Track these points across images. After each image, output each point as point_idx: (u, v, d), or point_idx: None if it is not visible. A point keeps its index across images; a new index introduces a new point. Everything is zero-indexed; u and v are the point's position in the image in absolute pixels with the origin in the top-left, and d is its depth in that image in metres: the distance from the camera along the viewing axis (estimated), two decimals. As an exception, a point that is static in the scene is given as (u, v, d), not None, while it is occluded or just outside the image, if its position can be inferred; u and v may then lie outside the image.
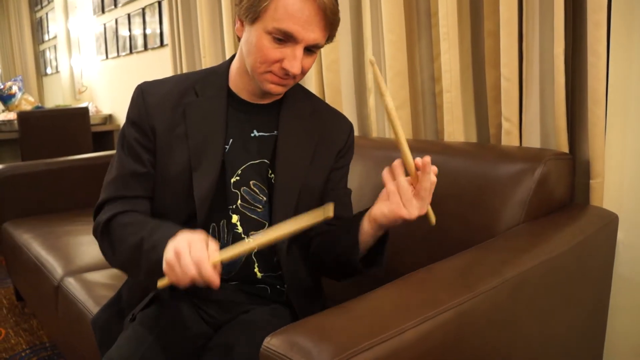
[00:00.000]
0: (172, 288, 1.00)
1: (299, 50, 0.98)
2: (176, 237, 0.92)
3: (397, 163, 0.92)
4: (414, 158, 0.90)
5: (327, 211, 0.82)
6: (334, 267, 1.12)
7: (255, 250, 0.93)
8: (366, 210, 1.00)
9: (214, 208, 1.09)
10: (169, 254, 0.89)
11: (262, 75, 1.03)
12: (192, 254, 0.86)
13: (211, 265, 0.86)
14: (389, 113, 0.89)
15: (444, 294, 0.83)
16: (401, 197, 0.90)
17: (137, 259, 0.99)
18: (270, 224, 1.11)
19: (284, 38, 0.97)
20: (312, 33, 0.98)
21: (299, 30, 0.96)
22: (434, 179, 0.90)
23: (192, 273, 0.86)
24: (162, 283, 0.91)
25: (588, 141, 1.27)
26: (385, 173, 0.93)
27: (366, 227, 0.98)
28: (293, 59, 0.99)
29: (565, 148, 1.31)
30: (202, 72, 1.17)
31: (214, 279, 0.87)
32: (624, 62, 1.24)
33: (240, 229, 1.11)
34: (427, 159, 0.88)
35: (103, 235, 1.08)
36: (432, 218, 0.93)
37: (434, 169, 0.90)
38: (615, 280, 1.30)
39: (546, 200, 1.22)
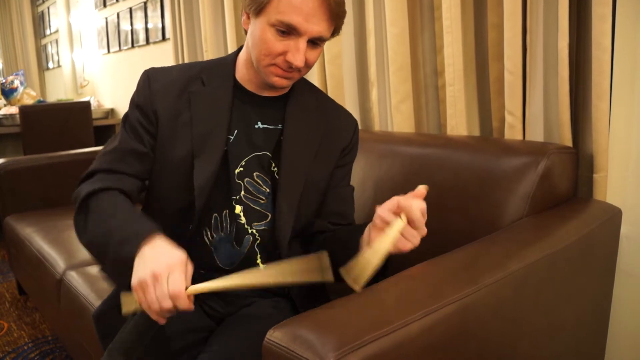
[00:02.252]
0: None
1: (302, 43, 0.98)
2: (153, 243, 0.90)
3: (382, 211, 0.90)
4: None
5: (327, 275, 0.76)
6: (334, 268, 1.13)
7: (234, 287, 0.89)
8: (365, 225, 0.98)
9: (217, 198, 1.09)
10: (145, 274, 0.85)
11: (266, 68, 1.02)
12: (170, 286, 0.83)
13: (187, 298, 0.84)
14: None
15: (448, 287, 0.83)
16: (403, 236, 0.89)
17: (104, 246, 0.96)
18: (273, 216, 1.11)
19: (287, 30, 0.97)
20: (315, 25, 0.97)
21: (302, 22, 0.96)
22: (422, 205, 0.87)
23: (167, 305, 0.84)
24: (127, 309, 0.87)
25: (592, 135, 1.26)
26: (378, 220, 0.91)
27: (364, 248, 0.98)
28: (296, 51, 0.98)
29: (568, 142, 1.31)
30: (209, 62, 1.17)
31: (189, 308, 0.85)
32: (629, 55, 1.23)
33: (243, 220, 1.11)
34: (400, 201, 0.87)
35: (80, 207, 1.04)
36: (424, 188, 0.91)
37: (422, 193, 0.89)
38: (619, 274, 1.29)
39: (549, 194, 1.21)
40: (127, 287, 0.90)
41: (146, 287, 0.85)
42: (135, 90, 1.12)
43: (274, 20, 0.96)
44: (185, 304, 0.84)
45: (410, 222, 0.88)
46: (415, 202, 0.87)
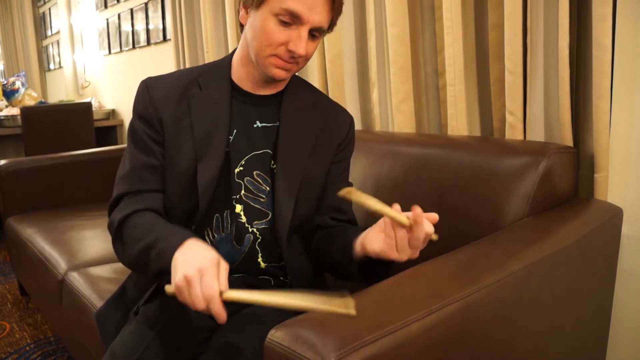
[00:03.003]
0: None
1: (304, 32, 1.00)
2: (185, 246, 0.91)
3: (398, 207, 0.89)
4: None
5: (349, 308, 0.76)
6: (331, 268, 1.14)
7: (267, 303, 0.89)
8: (363, 228, 0.99)
9: (217, 198, 1.10)
10: (178, 278, 0.86)
11: (266, 59, 1.04)
12: (204, 289, 0.83)
13: (221, 302, 0.84)
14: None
15: (449, 287, 0.83)
16: (396, 244, 0.90)
17: (145, 264, 1.00)
18: (273, 214, 1.11)
19: (290, 20, 0.99)
20: (317, 15, 0.99)
21: (305, 11, 0.98)
22: (429, 229, 0.88)
23: (201, 306, 0.84)
24: (169, 289, 0.89)
25: (592, 135, 1.26)
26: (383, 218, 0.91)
27: (358, 250, 0.99)
28: (298, 40, 1.00)
29: (569, 142, 1.31)
30: (205, 66, 1.18)
31: (222, 315, 0.84)
32: (629, 55, 1.23)
33: (243, 219, 1.11)
34: (418, 211, 0.86)
35: (116, 235, 1.08)
36: (434, 236, 0.91)
37: (433, 217, 0.89)
38: (620, 274, 1.29)
39: (550, 194, 1.21)
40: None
41: (182, 291, 0.85)
42: (135, 102, 1.13)
43: (277, 9, 0.98)
44: (218, 308, 0.83)
45: (411, 236, 0.88)
46: (427, 222, 0.87)
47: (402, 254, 0.90)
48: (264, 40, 1.02)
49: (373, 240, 0.94)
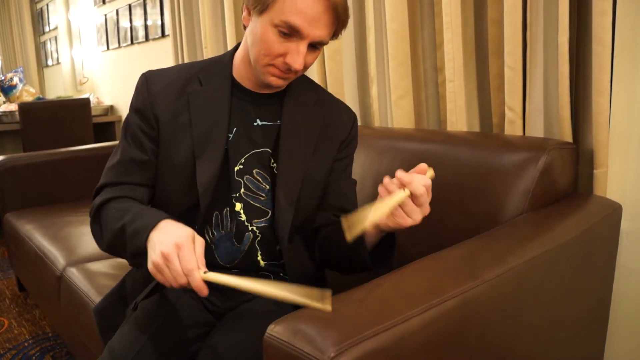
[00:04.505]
0: None
1: (303, 46, 0.98)
2: (159, 227, 0.92)
3: (387, 181, 0.90)
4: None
5: (326, 303, 0.77)
6: (340, 263, 1.14)
7: (245, 289, 0.90)
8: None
9: (217, 196, 1.09)
10: (156, 256, 0.88)
11: (264, 68, 1.02)
12: (182, 263, 0.86)
13: (200, 277, 0.86)
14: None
15: (448, 282, 0.83)
16: (404, 210, 0.89)
17: (121, 245, 1.00)
18: (273, 213, 1.11)
19: (290, 32, 0.97)
20: (318, 30, 0.97)
21: (306, 26, 0.96)
22: (426, 182, 0.87)
23: (182, 281, 0.86)
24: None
25: (592, 131, 1.26)
26: (382, 190, 0.91)
27: (369, 232, 0.98)
28: (296, 54, 0.98)
29: (569, 137, 1.31)
30: (206, 61, 1.16)
31: (203, 289, 0.86)
32: (629, 51, 1.23)
33: (243, 217, 1.11)
34: (406, 178, 0.86)
35: (94, 218, 1.09)
36: (432, 174, 0.92)
37: (422, 168, 0.89)
38: (619, 270, 1.29)
39: (550, 189, 1.21)
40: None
41: (160, 269, 0.88)
42: (134, 94, 1.12)
43: (277, 20, 0.96)
44: (197, 282, 0.85)
45: (414, 198, 0.88)
46: (418, 177, 0.87)
47: (415, 216, 0.89)
48: (262, 49, 1.00)
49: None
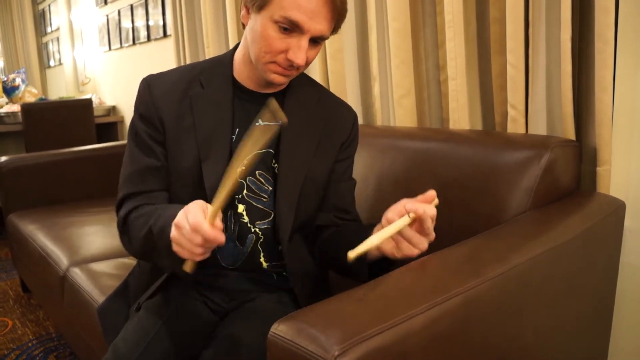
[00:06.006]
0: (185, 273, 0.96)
1: (304, 41, 0.98)
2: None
3: (391, 215, 0.90)
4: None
5: (281, 117, 0.78)
6: (337, 268, 1.14)
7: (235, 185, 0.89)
8: (372, 226, 0.98)
9: None
10: (172, 232, 0.88)
11: (265, 65, 1.02)
12: (190, 221, 0.85)
13: (209, 224, 0.84)
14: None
15: (451, 280, 0.83)
16: (411, 243, 0.90)
17: (152, 246, 1.00)
18: (275, 214, 1.11)
19: (290, 27, 0.96)
20: (318, 24, 0.97)
21: (306, 20, 0.95)
22: (432, 211, 0.87)
23: (196, 240, 0.84)
24: (186, 266, 0.90)
25: (595, 128, 1.26)
26: (385, 222, 0.91)
27: (373, 252, 0.98)
28: (298, 49, 0.98)
29: (571, 135, 1.30)
30: (206, 62, 1.16)
31: (217, 236, 0.84)
32: (632, 48, 1.23)
33: (246, 219, 1.10)
34: (415, 208, 0.87)
35: (122, 229, 1.10)
36: (436, 202, 0.92)
37: (431, 196, 0.89)
38: (622, 267, 1.29)
39: (553, 187, 1.21)
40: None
41: (177, 240, 0.87)
42: (136, 100, 1.12)
43: (277, 16, 0.95)
44: (209, 231, 0.83)
45: (420, 228, 0.89)
46: (427, 207, 0.87)
47: (422, 245, 0.90)
48: (263, 46, 0.99)
49: (385, 244, 0.93)
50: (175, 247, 0.89)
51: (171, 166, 1.10)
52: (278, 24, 0.96)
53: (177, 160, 1.09)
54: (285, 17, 0.95)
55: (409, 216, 0.87)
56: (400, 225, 0.87)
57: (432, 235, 0.91)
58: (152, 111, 1.09)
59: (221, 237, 0.85)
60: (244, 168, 1.08)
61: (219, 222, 0.86)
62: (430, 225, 0.89)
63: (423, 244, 0.90)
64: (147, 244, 1.01)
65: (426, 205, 0.88)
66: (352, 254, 0.84)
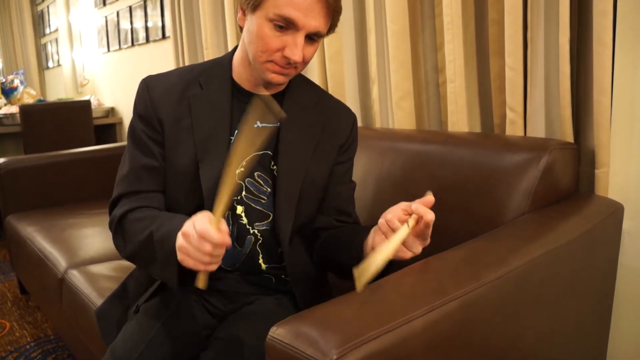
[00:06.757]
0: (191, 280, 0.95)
1: (300, 38, 0.98)
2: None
3: (389, 217, 0.90)
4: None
5: (279, 113, 0.77)
6: (336, 271, 1.15)
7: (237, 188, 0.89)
8: (370, 228, 0.99)
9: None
10: (179, 241, 0.88)
11: (263, 65, 1.02)
12: (197, 228, 0.85)
13: (215, 229, 0.84)
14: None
15: (450, 283, 0.83)
16: (405, 245, 0.91)
17: (150, 252, 0.99)
18: (274, 216, 1.11)
19: (285, 25, 0.97)
20: (313, 20, 0.97)
21: (300, 16, 0.96)
22: (429, 217, 0.87)
23: (205, 248, 0.84)
24: (198, 282, 0.89)
25: (593, 131, 1.26)
26: (383, 224, 0.91)
27: (368, 251, 0.99)
28: (294, 46, 0.98)
29: (570, 138, 1.31)
30: (205, 64, 1.16)
31: (225, 239, 0.84)
32: (630, 50, 1.23)
33: (245, 220, 1.10)
34: (413, 207, 0.87)
35: (117, 230, 1.09)
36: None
37: (429, 201, 0.88)
38: (621, 270, 1.29)
39: (551, 189, 1.21)
40: (180, 282, 0.95)
41: (184, 249, 0.87)
42: (135, 100, 1.12)
43: (271, 14, 0.96)
44: (216, 236, 0.83)
45: (418, 233, 0.89)
46: (429, 213, 0.87)
47: (416, 249, 0.91)
48: (259, 46, 1.00)
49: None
50: (180, 256, 0.88)
51: (168, 166, 1.10)
52: (273, 22, 0.97)
53: (174, 160, 1.09)
54: (280, 14, 0.95)
55: (408, 225, 0.87)
56: (401, 238, 0.87)
57: (428, 241, 0.91)
58: (150, 111, 1.09)
59: (228, 240, 0.85)
60: (242, 169, 1.08)
61: (224, 226, 0.86)
62: (428, 233, 0.89)
63: (417, 247, 0.91)
64: (145, 249, 1.01)
65: (429, 210, 0.88)
66: (360, 284, 0.82)
